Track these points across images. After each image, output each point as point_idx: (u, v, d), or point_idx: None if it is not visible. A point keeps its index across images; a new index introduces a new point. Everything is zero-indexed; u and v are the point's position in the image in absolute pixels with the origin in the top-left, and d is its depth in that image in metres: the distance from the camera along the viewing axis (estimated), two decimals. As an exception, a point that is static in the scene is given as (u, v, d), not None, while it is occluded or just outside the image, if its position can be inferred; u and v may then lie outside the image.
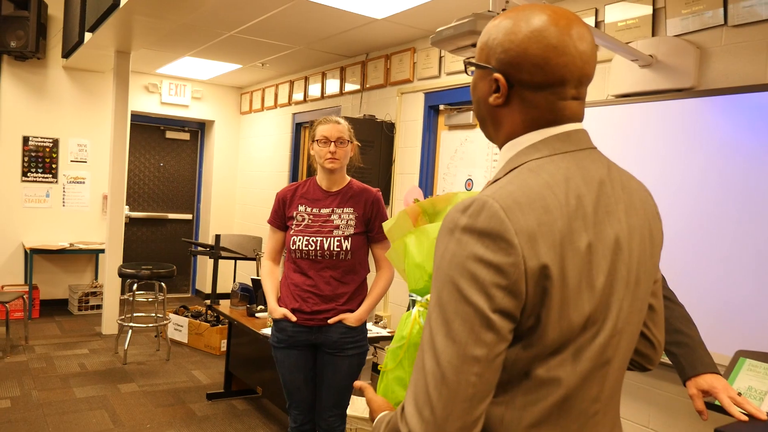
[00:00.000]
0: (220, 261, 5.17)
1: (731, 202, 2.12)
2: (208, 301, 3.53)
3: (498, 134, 0.89)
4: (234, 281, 3.50)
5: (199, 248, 3.82)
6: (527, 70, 0.83)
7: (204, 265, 6.64)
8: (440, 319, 0.74)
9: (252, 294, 3.43)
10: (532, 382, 0.77)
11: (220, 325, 4.38)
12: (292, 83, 5.47)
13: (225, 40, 4.41)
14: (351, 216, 2.07)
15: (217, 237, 3.46)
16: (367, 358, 2.93)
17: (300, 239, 2.04)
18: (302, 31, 3.97)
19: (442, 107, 3.79)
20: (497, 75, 0.85)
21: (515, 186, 0.78)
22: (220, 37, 4.35)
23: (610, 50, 2.16)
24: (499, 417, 0.78)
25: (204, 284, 6.67)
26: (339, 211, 2.06)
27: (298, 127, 5.52)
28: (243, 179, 6.47)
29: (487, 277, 0.73)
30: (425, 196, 1.28)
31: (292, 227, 2.08)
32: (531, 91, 0.83)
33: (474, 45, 1.54)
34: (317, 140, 2.05)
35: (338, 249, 2.04)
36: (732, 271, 2.11)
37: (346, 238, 2.04)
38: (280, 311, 1.97)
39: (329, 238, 2.03)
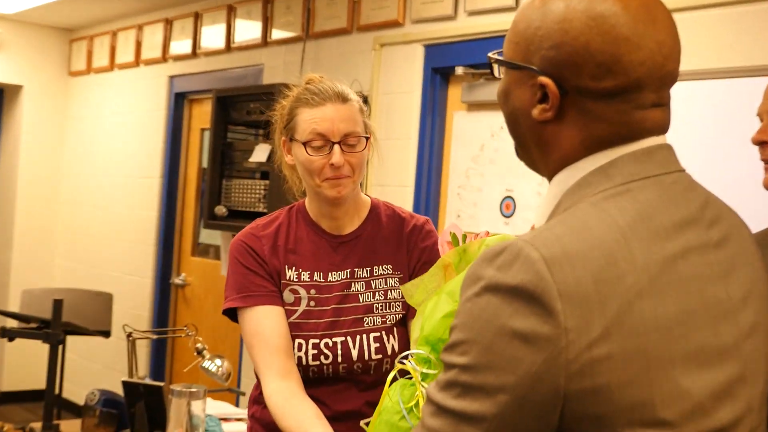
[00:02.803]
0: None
1: None
2: (34, 426, 3.07)
3: (546, 161, 1.01)
4: (91, 390, 3.07)
5: (21, 327, 3.33)
6: (589, 71, 0.94)
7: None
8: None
9: (123, 412, 2.99)
10: None
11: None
12: (169, 24, 5.32)
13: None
14: (392, 281, 1.91)
15: (57, 304, 3.03)
16: None
17: (300, 345, 1.86)
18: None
19: (459, 71, 3.60)
20: (544, 79, 0.96)
21: (567, 227, 0.90)
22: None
23: None
24: None
25: (1, 374, 6.23)
26: (364, 274, 1.91)
27: (180, 101, 5.39)
28: (73, 190, 6.32)
29: (514, 352, 0.86)
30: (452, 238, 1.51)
31: None
32: (594, 100, 0.95)
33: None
34: (303, 141, 1.83)
35: (379, 356, 1.87)
36: None
37: (389, 330, 1.88)
38: None
39: (358, 336, 1.87)
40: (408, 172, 3.83)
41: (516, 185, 3.48)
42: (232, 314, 1.91)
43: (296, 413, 1.74)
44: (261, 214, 3.81)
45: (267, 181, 3.85)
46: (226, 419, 3.08)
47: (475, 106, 3.66)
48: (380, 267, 1.91)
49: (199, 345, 3.14)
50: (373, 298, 1.88)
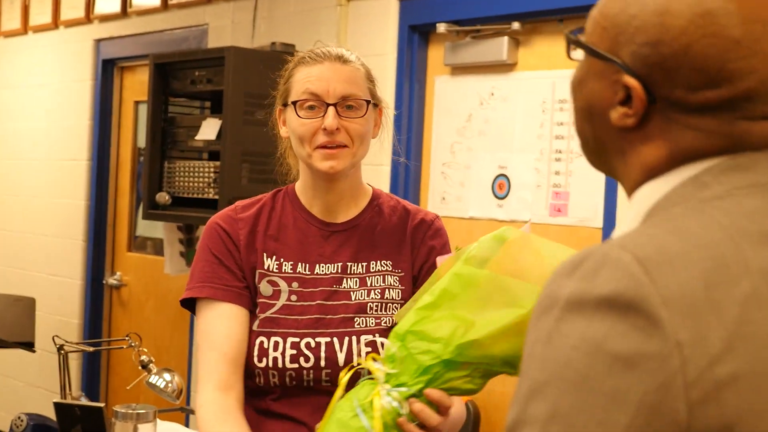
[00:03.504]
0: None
1: None
2: None
3: (624, 171, 0.99)
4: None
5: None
6: (687, 80, 0.91)
7: None
8: None
9: None
10: None
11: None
12: None
13: None
14: (391, 279, 1.92)
15: None
16: None
17: (276, 344, 1.84)
18: None
19: (441, 28, 3.56)
20: (631, 81, 0.93)
21: (661, 228, 0.87)
22: None
23: None
24: None
25: None
26: (359, 269, 1.90)
27: (109, 69, 5.32)
28: None
29: (617, 382, 0.79)
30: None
31: (253, 312, 1.90)
32: (688, 113, 0.92)
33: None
34: (295, 102, 1.83)
35: None
36: None
37: (384, 334, 1.85)
38: None
39: (347, 338, 1.86)
40: (383, 148, 3.69)
41: (510, 161, 3.45)
42: (191, 305, 1.93)
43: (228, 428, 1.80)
44: (211, 202, 3.75)
45: (217, 162, 3.72)
46: (178, 443, 3.00)
47: (460, 69, 3.62)
48: (378, 262, 1.90)
49: (144, 357, 3.02)
50: (368, 296, 1.88)
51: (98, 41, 5.22)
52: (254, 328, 1.86)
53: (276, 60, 3.74)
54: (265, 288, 1.87)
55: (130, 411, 2.19)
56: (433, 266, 1.83)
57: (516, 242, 1.54)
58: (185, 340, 4.59)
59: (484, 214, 3.47)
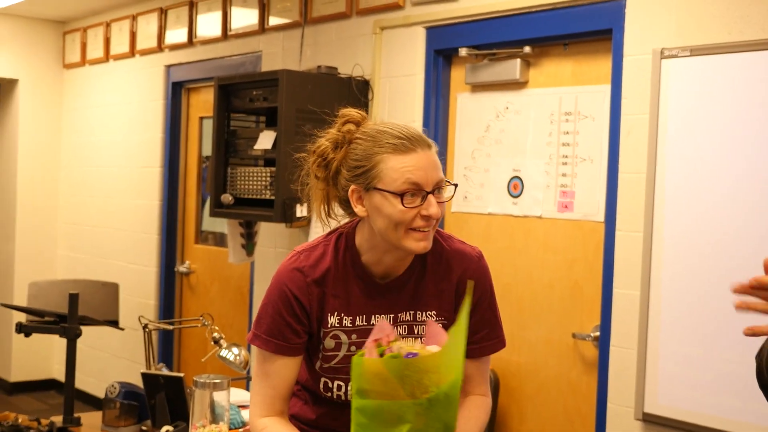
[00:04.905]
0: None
1: None
2: (55, 419, 2.92)
3: None
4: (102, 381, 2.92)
5: (35, 321, 3.17)
6: None
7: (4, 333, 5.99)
8: None
9: (143, 403, 2.87)
10: None
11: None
12: (163, 12, 5.17)
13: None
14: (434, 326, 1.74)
15: (73, 298, 2.85)
16: None
17: (339, 386, 1.77)
18: None
19: (462, 52, 3.50)
20: None
21: None
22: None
23: None
24: None
25: (5, 367, 6.16)
26: (407, 318, 1.76)
27: (178, 90, 5.26)
28: (72, 181, 6.20)
29: None
30: None
31: (318, 357, 1.79)
32: None
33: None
34: (397, 192, 1.60)
35: None
36: None
37: None
38: None
39: None
40: (413, 155, 3.70)
41: (523, 165, 3.38)
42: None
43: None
44: (268, 202, 3.73)
45: (273, 168, 3.71)
46: (243, 406, 2.97)
47: (479, 87, 3.55)
48: (424, 313, 1.75)
49: (215, 334, 3.02)
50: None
51: (168, 67, 5.18)
52: (317, 369, 1.77)
53: (324, 81, 3.79)
54: (328, 343, 1.74)
55: (208, 381, 2.17)
56: (479, 306, 1.76)
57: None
58: (245, 319, 4.57)
59: (501, 211, 3.42)
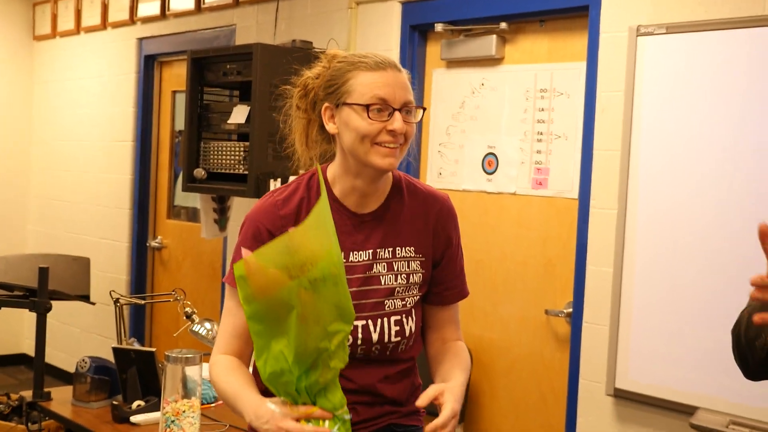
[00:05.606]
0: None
1: None
2: (24, 394, 2.87)
3: None
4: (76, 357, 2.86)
5: (5, 296, 3.10)
6: None
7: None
8: None
9: (115, 378, 2.85)
10: None
11: (40, 425, 3.63)
12: None
13: None
14: (414, 264, 1.78)
15: (43, 272, 2.79)
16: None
17: None
18: None
19: (438, 28, 3.46)
20: None
21: None
22: None
23: None
24: None
25: None
26: (386, 255, 1.76)
27: (150, 63, 5.17)
28: (43, 156, 6.13)
29: None
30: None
31: None
32: None
33: None
34: (364, 104, 1.64)
35: (398, 338, 1.77)
36: None
37: (408, 313, 1.78)
38: (287, 414, 1.53)
39: (380, 320, 1.74)
40: (388, 131, 3.66)
41: (498, 141, 3.35)
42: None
43: (234, 375, 1.71)
44: (242, 177, 3.66)
45: (246, 143, 3.64)
46: (216, 382, 2.92)
47: (454, 63, 3.50)
48: (403, 249, 1.76)
49: (188, 309, 2.97)
50: (395, 281, 1.74)
51: (141, 40, 5.08)
52: None
53: (298, 56, 3.62)
54: None
55: (181, 355, 2.12)
56: (448, 250, 1.79)
57: None
58: (217, 294, 4.52)
59: (475, 187, 3.39)
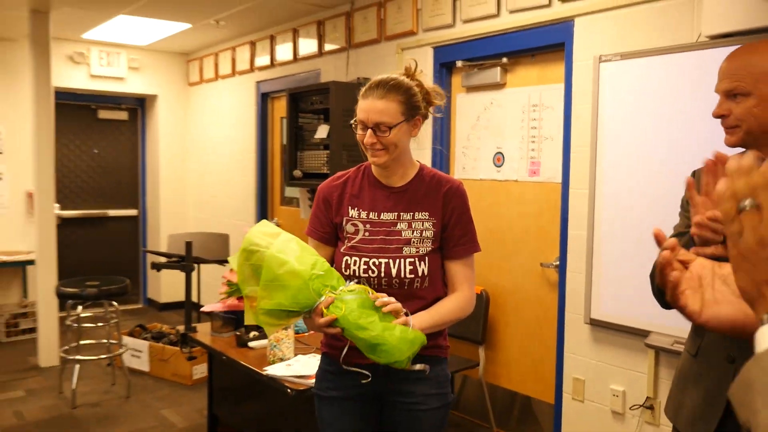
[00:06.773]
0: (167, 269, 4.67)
1: None
2: (180, 328, 3.00)
3: None
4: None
5: (164, 261, 3.24)
6: None
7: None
8: None
9: (240, 316, 2.87)
10: None
11: (191, 349, 3.79)
12: (253, 45, 5.11)
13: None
14: (427, 224, 1.72)
15: (188, 245, 2.92)
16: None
17: (355, 261, 1.69)
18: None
19: (459, 64, 3.42)
20: None
21: None
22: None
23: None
24: None
25: (157, 292, 6.28)
26: (408, 217, 1.72)
27: (265, 99, 5.19)
28: (197, 165, 6.16)
29: None
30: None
31: (343, 242, 1.74)
32: None
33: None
34: (354, 122, 1.69)
35: (412, 275, 1.69)
36: None
37: (422, 258, 1.70)
38: (325, 318, 1.51)
39: (398, 260, 1.68)
40: (426, 139, 3.64)
41: (503, 144, 3.30)
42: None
43: None
44: (326, 175, 3.70)
45: (327, 151, 3.71)
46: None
47: (471, 88, 3.45)
48: (420, 213, 1.72)
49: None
50: (412, 234, 1.70)
51: (258, 82, 5.13)
52: (342, 250, 1.72)
53: (360, 88, 3.71)
54: (350, 228, 1.73)
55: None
56: (453, 216, 1.71)
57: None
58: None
59: (488, 177, 3.36)
